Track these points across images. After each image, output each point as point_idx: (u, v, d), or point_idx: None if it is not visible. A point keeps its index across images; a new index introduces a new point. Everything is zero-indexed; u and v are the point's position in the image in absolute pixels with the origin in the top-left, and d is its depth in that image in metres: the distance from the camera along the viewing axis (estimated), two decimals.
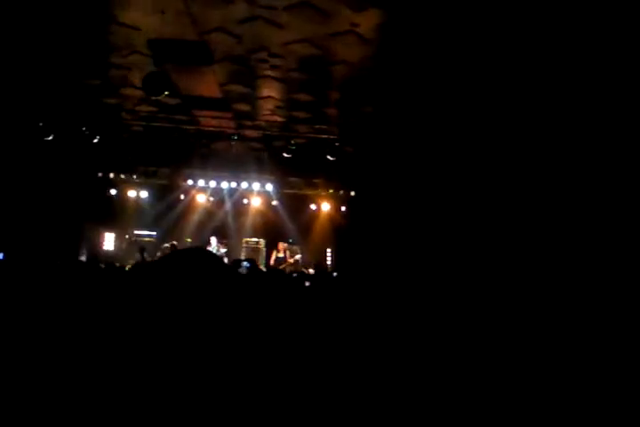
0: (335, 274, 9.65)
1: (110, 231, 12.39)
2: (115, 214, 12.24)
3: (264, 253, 12.68)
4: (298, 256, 12.01)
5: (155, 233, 12.44)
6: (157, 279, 1.71)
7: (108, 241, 12.46)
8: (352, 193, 12.18)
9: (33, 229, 9.30)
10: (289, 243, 12.26)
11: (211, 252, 1.96)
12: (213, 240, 12.07)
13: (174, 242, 11.49)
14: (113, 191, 12.44)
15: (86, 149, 10.14)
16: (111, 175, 12.05)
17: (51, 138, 9.37)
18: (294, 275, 8.91)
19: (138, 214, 12.73)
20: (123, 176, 12.20)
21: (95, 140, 9.75)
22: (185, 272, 1.77)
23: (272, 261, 11.83)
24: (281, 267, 11.35)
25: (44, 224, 9.36)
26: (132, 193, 12.68)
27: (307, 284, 4.86)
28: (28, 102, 8.86)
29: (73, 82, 8.31)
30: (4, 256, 7.59)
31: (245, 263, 8.90)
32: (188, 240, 12.33)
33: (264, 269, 9.79)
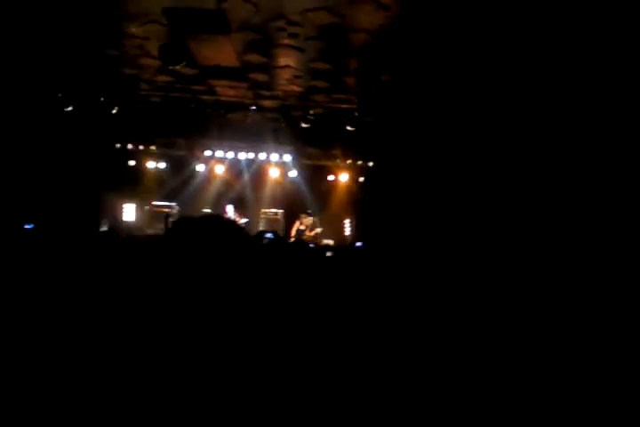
0: (358, 244, 9.60)
1: (130, 202, 12.46)
2: (134, 185, 12.31)
3: (282, 225, 12.70)
4: (318, 229, 12.04)
5: (174, 204, 12.50)
6: (177, 251, 1.70)
7: (128, 212, 12.54)
8: (370, 164, 12.10)
9: (54, 201, 9.42)
10: (307, 214, 12.28)
11: (228, 220, 1.94)
12: (230, 209, 12.09)
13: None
14: (132, 162, 12.48)
15: (105, 119, 10.15)
16: (129, 146, 12.07)
17: (70, 109, 9.39)
18: (311, 246, 8.94)
19: (157, 185, 12.79)
20: (141, 147, 12.21)
21: (114, 111, 9.75)
22: (205, 242, 1.76)
23: (292, 233, 11.86)
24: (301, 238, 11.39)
25: (64, 195, 9.46)
26: (150, 164, 12.72)
27: (328, 254, 4.86)
28: (47, 73, 8.86)
29: (91, 53, 8.28)
30: (33, 226, 7.66)
31: (269, 235, 8.90)
32: (207, 211, 12.40)
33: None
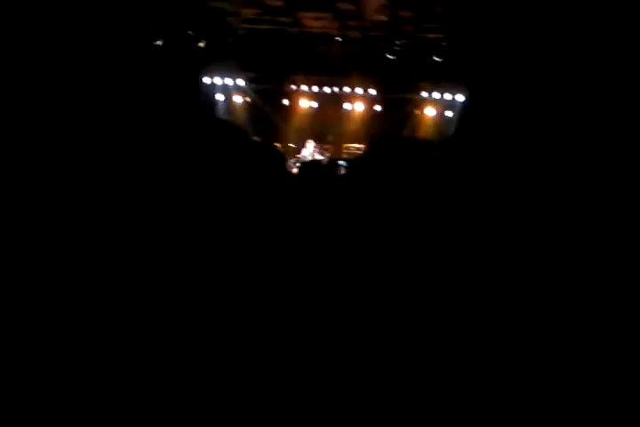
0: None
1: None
2: (227, 118, 12.53)
3: None
4: None
5: (260, 139, 12.67)
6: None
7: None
8: (459, 97, 11.69)
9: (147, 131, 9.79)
10: None
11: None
12: (310, 144, 12.07)
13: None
14: (220, 97, 12.67)
15: (192, 54, 10.29)
16: (218, 81, 12.22)
17: (160, 43, 9.58)
18: None
19: (243, 119, 12.97)
20: (228, 81, 12.33)
21: (201, 45, 9.85)
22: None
23: None
24: None
25: (155, 128, 9.81)
26: (237, 98, 12.88)
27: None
28: (136, 7, 9.01)
29: None
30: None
31: (343, 163, 8.91)
32: (292, 145, 12.53)
33: None
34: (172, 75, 10.44)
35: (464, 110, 11.43)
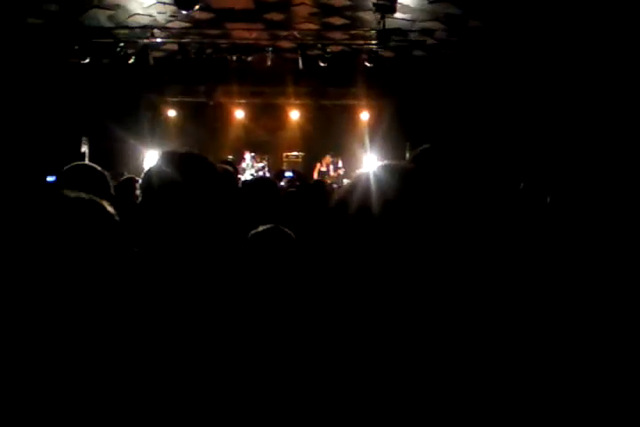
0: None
1: (153, 150, 12.48)
2: (156, 134, 12.31)
3: (304, 167, 12.71)
4: (341, 171, 12.03)
5: (196, 151, 12.49)
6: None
7: (150, 159, 12.55)
8: (392, 102, 11.88)
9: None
10: (330, 155, 12.22)
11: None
12: (247, 156, 12.10)
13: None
14: (152, 111, 12.45)
15: (122, 70, 10.08)
16: (150, 96, 12.00)
17: (87, 61, 9.33)
18: (334, 186, 9.01)
19: (178, 133, 12.77)
20: (160, 96, 12.13)
21: (130, 61, 9.66)
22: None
23: (315, 175, 11.87)
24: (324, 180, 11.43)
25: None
26: (171, 112, 12.69)
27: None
28: (59, 27, 8.78)
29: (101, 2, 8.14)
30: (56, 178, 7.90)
31: (289, 174, 8.88)
32: (230, 157, 12.43)
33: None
34: (104, 92, 10.23)
35: (398, 115, 11.64)
